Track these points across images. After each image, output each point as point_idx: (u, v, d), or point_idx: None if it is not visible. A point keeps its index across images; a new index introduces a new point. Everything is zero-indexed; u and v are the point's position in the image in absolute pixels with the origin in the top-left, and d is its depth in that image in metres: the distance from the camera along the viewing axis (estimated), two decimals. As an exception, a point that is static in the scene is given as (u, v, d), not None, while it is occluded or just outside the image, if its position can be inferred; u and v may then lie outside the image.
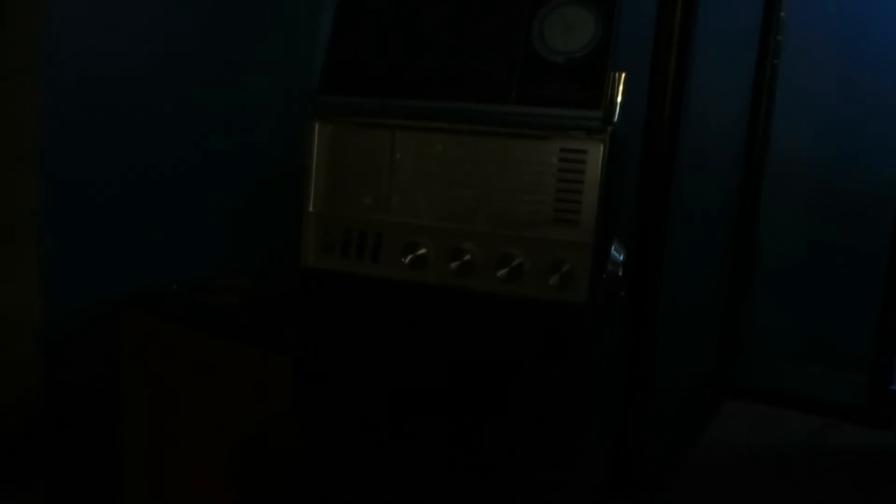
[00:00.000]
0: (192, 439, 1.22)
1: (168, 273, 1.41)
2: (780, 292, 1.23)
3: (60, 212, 1.24)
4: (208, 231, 1.54)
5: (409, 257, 0.85)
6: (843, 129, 1.19)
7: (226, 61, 1.54)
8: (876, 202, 0.91)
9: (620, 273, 0.80)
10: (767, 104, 1.17)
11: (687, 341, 1.23)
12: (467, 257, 0.83)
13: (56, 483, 1.30)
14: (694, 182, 1.23)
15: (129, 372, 1.32)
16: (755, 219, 1.19)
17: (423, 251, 0.85)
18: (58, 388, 1.28)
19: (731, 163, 1.17)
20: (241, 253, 1.61)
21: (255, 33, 1.60)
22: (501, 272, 0.81)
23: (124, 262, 1.36)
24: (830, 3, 1.19)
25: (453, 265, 0.83)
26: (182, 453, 1.24)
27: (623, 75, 0.80)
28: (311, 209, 0.90)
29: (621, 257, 0.80)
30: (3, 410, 1.19)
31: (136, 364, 1.31)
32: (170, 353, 1.26)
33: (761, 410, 1.00)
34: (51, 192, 1.21)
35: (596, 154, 0.78)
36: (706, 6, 0.86)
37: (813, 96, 1.22)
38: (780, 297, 1.23)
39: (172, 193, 1.45)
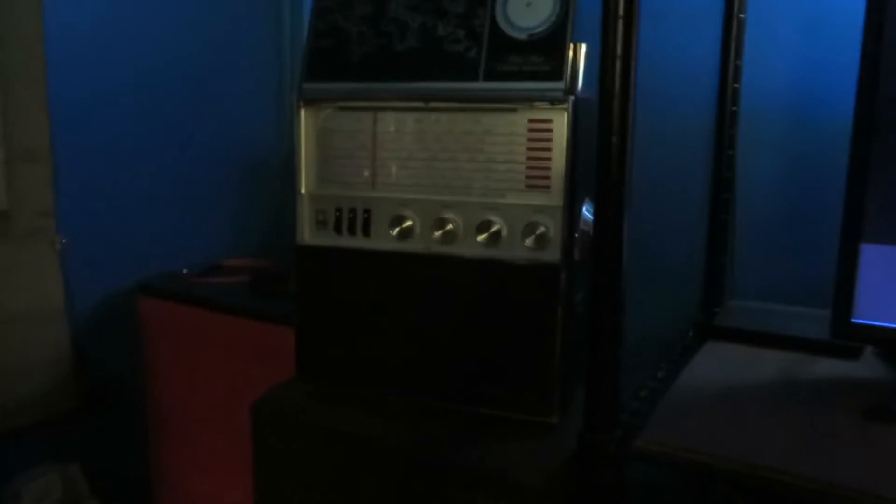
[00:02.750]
0: (211, 410, 1.31)
1: (179, 258, 1.49)
2: (757, 234, 1.29)
3: (73, 209, 1.31)
4: (215, 216, 1.62)
5: (397, 230, 0.91)
6: (813, 68, 1.24)
7: (222, 57, 1.60)
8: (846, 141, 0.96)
9: (592, 232, 0.86)
10: (737, 47, 1.21)
11: (661, 288, 1.30)
12: (450, 226, 0.89)
13: (92, 459, 1.39)
14: (663, 129, 1.29)
15: (149, 352, 1.41)
16: (731, 163, 1.24)
17: (409, 223, 0.92)
18: (86, 371, 1.38)
19: (704, 106, 1.23)
20: (248, 234, 1.69)
21: (246, 31, 1.66)
22: (481, 238, 0.88)
23: (137, 252, 1.44)
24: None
25: (437, 234, 0.90)
26: (203, 423, 1.33)
27: (584, 46, 0.86)
28: (303, 190, 0.96)
29: (592, 217, 0.86)
30: (39, 395, 1.29)
31: (155, 344, 1.40)
32: (184, 332, 1.35)
33: (738, 349, 1.06)
34: (64, 193, 1.29)
35: (561, 122, 0.84)
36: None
37: (780, 41, 1.26)
38: (757, 239, 1.29)
39: (178, 183, 1.53)
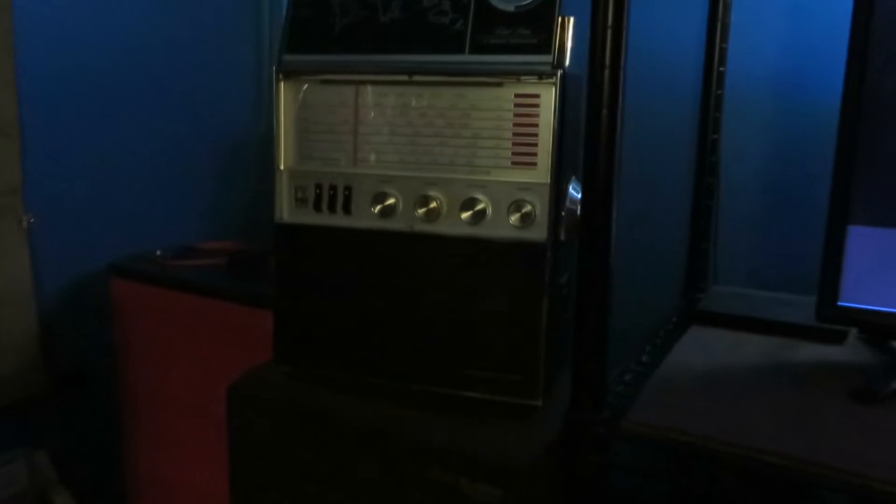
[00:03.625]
0: (186, 394, 1.28)
1: (152, 240, 1.45)
2: (741, 220, 1.29)
3: (42, 187, 1.27)
4: (190, 197, 1.58)
5: (378, 207, 0.89)
6: (799, 52, 1.23)
7: (197, 33, 1.56)
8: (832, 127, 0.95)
9: (579, 211, 0.84)
10: (723, 30, 1.20)
11: (646, 273, 1.29)
12: (433, 204, 0.87)
13: (61, 445, 1.36)
14: (647, 112, 1.28)
15: (121, 335, 1.37)
16: (716, 148, 1.23)
17: (391, 201, 0.89)
18: (55, 355, 1.33)
19: (689, 89, 1.22)
20: (224, 216, 1.65)
21: (223, 6, 1.62)
22: (465, 215, 0.86)
23: (109, 233, 1.40)
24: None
25: (420, 212, 0.87)
26: (177, 407, 1.30)
27: (572, 19, 0.84)
28: (282, 167, 0.94)
29: (579, 195, 0.85)
30: (5, 379, 1.25)
31: (127, 327, 1.36)
32: (158, 315, 1.31)
33: (721, 334, 1.06)
34: (32, 170, 1.24)
35: (549, 97, 0.82)
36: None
37: (766, 25, 1.25)
38: (742, 225, 1.29)
39: (150, 163, 1.49)
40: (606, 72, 0.71)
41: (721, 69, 1.21)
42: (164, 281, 1.31)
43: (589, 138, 0.73)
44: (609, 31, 0.70)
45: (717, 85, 1.21)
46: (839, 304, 0.90)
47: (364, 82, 0.89)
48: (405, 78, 0.87)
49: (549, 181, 0.83)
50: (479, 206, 0.86)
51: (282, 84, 0.92)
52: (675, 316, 1.15)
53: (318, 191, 0.93)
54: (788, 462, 0.71)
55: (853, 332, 1.02)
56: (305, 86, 0.91)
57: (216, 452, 1.20)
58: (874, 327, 0.94)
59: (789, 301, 1.13)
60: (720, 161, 1.24)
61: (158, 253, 1.39)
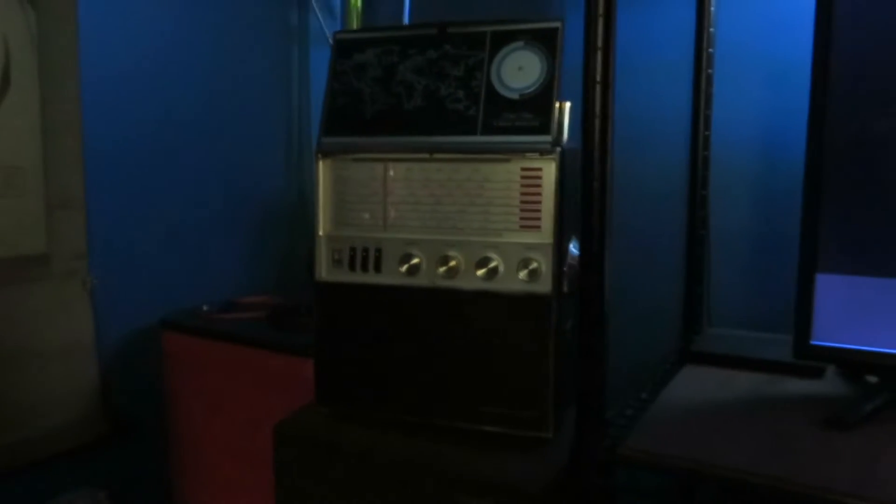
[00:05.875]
0: (231, 437, 1.41)
1: (197, 296, 1.60)
2: (732, 267, 1.41)
3: (103, 252, 1.43)
4: (229, 256, 1.73)
5: (405, 266, 1.03)
6: (778, 115, 1.37)
7: (237, 112, 1.74)
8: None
9: (578, 266, 0.97)
10: (706, 99, 1.34)
11: (646, 318, 1.42)
12: (453, 263, 1.01)
13: (118, 484, 1.48)
14: (642, 172, 1.42)
15: (171, 384, 1.51)
16: (705, 203, 1.37)
17: (416, 260, 1.03)
18: (113, 402, 1.47)
19: (679, 150, 1.36)
20: (260, 273, 1.80)
21: (260, 89, 1.80)
22: (481, 272, 0.99)
23: (161, 290, 1.55)
24: (755, 17, 1.37)
25: (441, 270, 1.01)
26: (222, 448, 1.43)
27: (568, 104, 0.98)
28: (321, 232, 1.08)
29: (578, 253, 0.98)
30: (70, 425, 1.38)
31: (177, 375, 1.50)
32: (206, 364, 1.45)
33: (713, 372, 1.17)
34: (95, 236, 1.40)
35: (550, 171, 0.96)
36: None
37: (748, 93, 1.39)
38: (733, 272, 1.41)
39: (196, 227, 1.64)
40: (596, 153, 0.85)
41: (706, 133, 1.36)
42: (211, 333, 1.44)
43: (584, 206, 0.87)
44: (597, 120, 0.84)
45: (703, 147, 1.35)
46: (812, 343, 1.02)
47: (391, 160, 1.03)
48: (427, 156, 1.02)
49: (552, 241, 0.97)
50: (493, 264, 0.99)
51: (321, 162, 1.07)
52: (673, 356, 1.27)
53: (352, 253, 1.07)
54: (765, 480, 0.82)
55: (831, 367, 1.14)
56: (341, 163, 1.06)
57: (258, 488, 1.32)
58: (845, 363, 1.06)
59: (776, 340, 1.24)
60: (709, 215, 1.38)
61: (205, 308, 1.53)
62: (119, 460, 1.51)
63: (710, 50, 1.33)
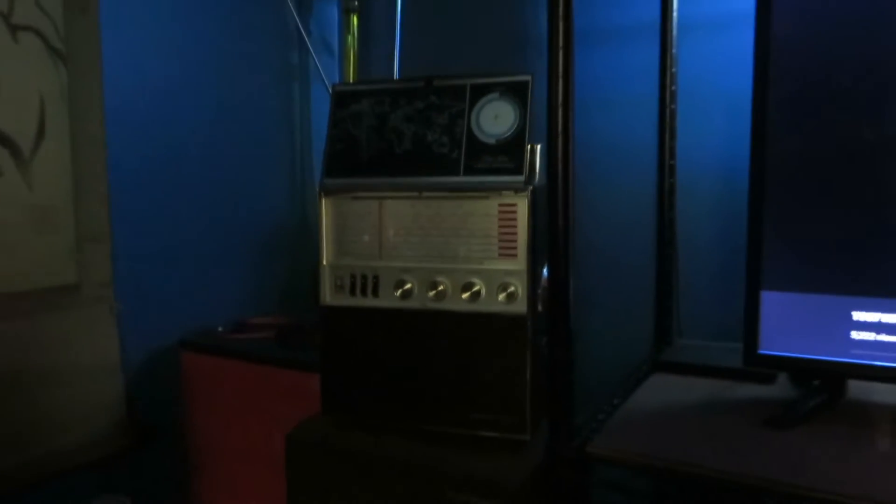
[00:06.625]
0: (244, 447, 1.54)
1: (211, 317, 1.74)
2: (699, 283, 1.55)
3: (127, 279, 1.57)
4: (240, 279, 1.88)
5: (400, 291, 1.17)
6: (739, 143, 1.51)
7: (246, 146, 1.89)
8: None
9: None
10: (671, 131, 1.48)
11: (620, 332, 1.55)
12: (441, 287, 1.15)
13: (141, 492, 1.62)
14: (615, 197, 1.56)
15: (190, 398, 1.65)
16: (672, 225, 1.51)
17: (409, 286, 1.17)
18: (137, 416, 1.61)
19: (648, 177, 1.50)
20: (267, 294, 1.94)
21: (265, 128, 1.96)
22: (466, 295, 1.13)
23: (178, 312, 1.70)
24: (713, 55, 1.52)
25: (431, 293, 1.15)
26: (236, 456, 1.56)
27: (539, 146, 1.12)
28: (325, 262, 1.22)
29: (551, 277, 1.12)
30: (98, 437, 1.52)
31: (194, 391, 1.64)
32: (221, 380, 1.58)
33: (678, 379, 1.31)
34: (118, 265, 1.55)
35: (523, 206, 1.10)
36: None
37: (710, 123, 1.53)
38: (699, 287, 1.55)
39: (210, 253, 1.79)
40: (559, 193, 0.99)
41: (671, 162, 1.50)
42: (225, 352, 1.58)
43: (550, 239, 1.01)
44: (559, 164, 0.98)
45: (669, 175, 1.50)
46: (759, 352, 1.16)
47: (386, 198, 1.17)
48: (416, 194, 1.16)
49: (526, 268, 1.11)
50: (476, 288, 1.13)
51: (324, 200, 1.21)
52: (645, 366, 1.40)
53: (352, 279, 1.21)
54: (710, 472, 0.96)
55: (782, 373, 1.27)
56: (342, 201, 1.20)
57: (270, 491, 1.45)
58: (789, 369, 1.20)
59: (737, 350, 1.37)
60: (676, 235, 1.52)
61: (220, 329, 1.67)
62: (142, 469, 1.65)
63: (673, 87, 1.48)
